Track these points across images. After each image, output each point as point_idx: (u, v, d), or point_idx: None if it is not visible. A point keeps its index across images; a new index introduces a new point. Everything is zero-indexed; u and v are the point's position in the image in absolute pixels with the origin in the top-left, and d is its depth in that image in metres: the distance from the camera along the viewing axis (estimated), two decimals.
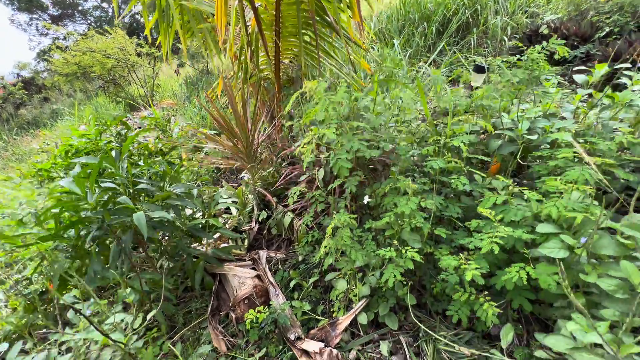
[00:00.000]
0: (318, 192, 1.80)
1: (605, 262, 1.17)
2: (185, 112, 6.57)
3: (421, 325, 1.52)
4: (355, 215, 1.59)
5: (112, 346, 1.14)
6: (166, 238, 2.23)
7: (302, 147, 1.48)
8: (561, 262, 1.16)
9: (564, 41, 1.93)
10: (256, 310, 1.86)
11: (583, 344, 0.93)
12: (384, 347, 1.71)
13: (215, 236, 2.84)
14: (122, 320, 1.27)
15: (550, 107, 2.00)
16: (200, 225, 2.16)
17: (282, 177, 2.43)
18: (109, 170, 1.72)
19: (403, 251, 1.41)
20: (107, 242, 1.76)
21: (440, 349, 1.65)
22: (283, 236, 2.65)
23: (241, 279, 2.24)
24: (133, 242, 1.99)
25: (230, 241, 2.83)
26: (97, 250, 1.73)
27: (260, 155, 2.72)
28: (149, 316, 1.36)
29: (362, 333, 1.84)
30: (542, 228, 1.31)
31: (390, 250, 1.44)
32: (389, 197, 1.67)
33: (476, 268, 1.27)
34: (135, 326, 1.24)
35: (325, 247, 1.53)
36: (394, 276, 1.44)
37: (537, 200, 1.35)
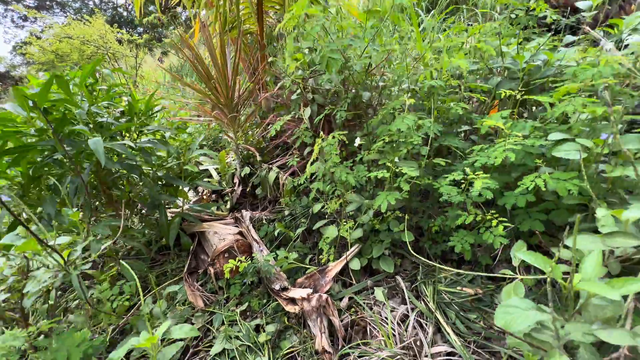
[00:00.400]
0: (304, 126, 1.62)
1: (628, 160, 1.03)
2: (169, 97, 6.31)
3: (421, 258, 1.36)
4: (346, 132, 1.41)
5: (52, 268, 0.93)
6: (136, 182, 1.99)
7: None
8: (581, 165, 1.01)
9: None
10: (237, 260, 1.67)
11: (617, 229, 0.78)
12: (379, 292, 1.54)
13: (194, 198, 2.63)
14: (67, 244, 1.06)
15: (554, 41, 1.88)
16: (177, 175, 1.94)
17: (266, 123, 2.23)
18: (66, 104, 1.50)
19: (396, 169, 1.24)
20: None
21: (441, 290, 1.49)
22: (268, 196, 2.46)
23: (222, 235, 2.04)
24: (95, 189, 1.77)
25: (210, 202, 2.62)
26: (49, 190, 1.50)
27: (243, 110, 2.51)
28: (103, 246, 1.15)
29: (354, 282, 1.67)
30: (555, 135, 1.17)
31: (383, 172, 1.27)
32: (382, 127, 1.50)
33: (485, 181, 1.12)
34: (79, 249, 1.03)
35: (312, 163, 1.34)
36: (388, 202, 1.27)
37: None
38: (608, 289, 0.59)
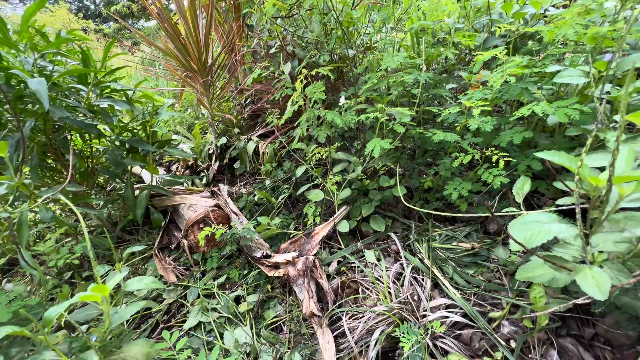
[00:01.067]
0: (284, 76, 1.47)
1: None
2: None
3: (415, 208, 1.25)
4: (332, 66, 1.27)
5: None
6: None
7: None
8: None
9: None
10: (213, 228, 1.50)
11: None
12: (370, 254, 1.43)
13: (162, 172, 2.42)
14: None
15: None
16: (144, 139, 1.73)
17: (244, 95, 2.07)
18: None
19: (387, 108, 1.13)
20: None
21: (436, 248, 1.40)
22: (248, 170, 2.29)
23: (196, 208, 1.85)
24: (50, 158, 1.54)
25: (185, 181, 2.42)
26: None
27: (218, 81, 2.33)
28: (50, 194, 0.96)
29: (343, 247, 1.54)
30: (552, 67, 1.10)
31: (375, 114, 1.15)
32: (371, 74, 1.39)
33: (484, 109, 1.02)
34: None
35: (295, 100, 1.20)
36: (380, 147, 1.15)
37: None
38: None
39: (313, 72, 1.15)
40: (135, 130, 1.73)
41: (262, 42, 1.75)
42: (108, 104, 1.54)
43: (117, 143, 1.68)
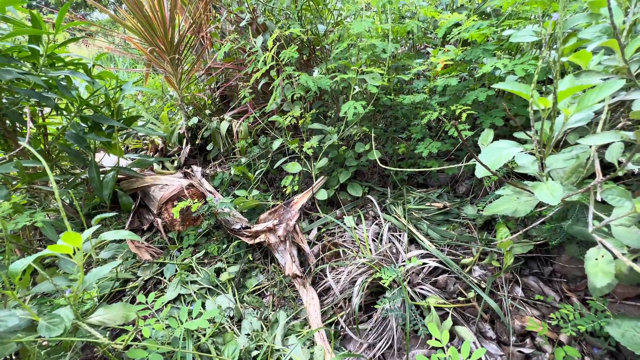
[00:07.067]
0: (255, 48, 1.46)
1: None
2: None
3: (390, 168, 1.30)
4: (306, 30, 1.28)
5: None
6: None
7: None
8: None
9: None
10: (189, 202, 1.46)
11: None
12: (349, 219, 1.46)
13: (132, 155, 2.30)
14: None
15: None
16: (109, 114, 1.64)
17: (211, 62, 2.02)
18: None
19: (360, 66, 1.16)
20: None
21: (410, 209, 1.46)
22: (221, 150, 2.24)
23: (168, 188, 1.79)
24: None
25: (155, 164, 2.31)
26: None
27: (185, 57, 2.25)
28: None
29: (322, 215, 1.57)
30: (508, 32, 1.19)
31: (348, 75, 1.18)
32: (341, 43, 1.41)
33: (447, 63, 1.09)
34: None
35: (267, 60, 1.19)
36: (355, 108, 1.19)
37: None
38: (592, 90, 0.58)
39: (286, 33, 1.16)
40: (99, 108, 1.63)
41: (231, 17, 1.72)
42: (65, 75, 1.44)
43: (78, 119, 1.58)
